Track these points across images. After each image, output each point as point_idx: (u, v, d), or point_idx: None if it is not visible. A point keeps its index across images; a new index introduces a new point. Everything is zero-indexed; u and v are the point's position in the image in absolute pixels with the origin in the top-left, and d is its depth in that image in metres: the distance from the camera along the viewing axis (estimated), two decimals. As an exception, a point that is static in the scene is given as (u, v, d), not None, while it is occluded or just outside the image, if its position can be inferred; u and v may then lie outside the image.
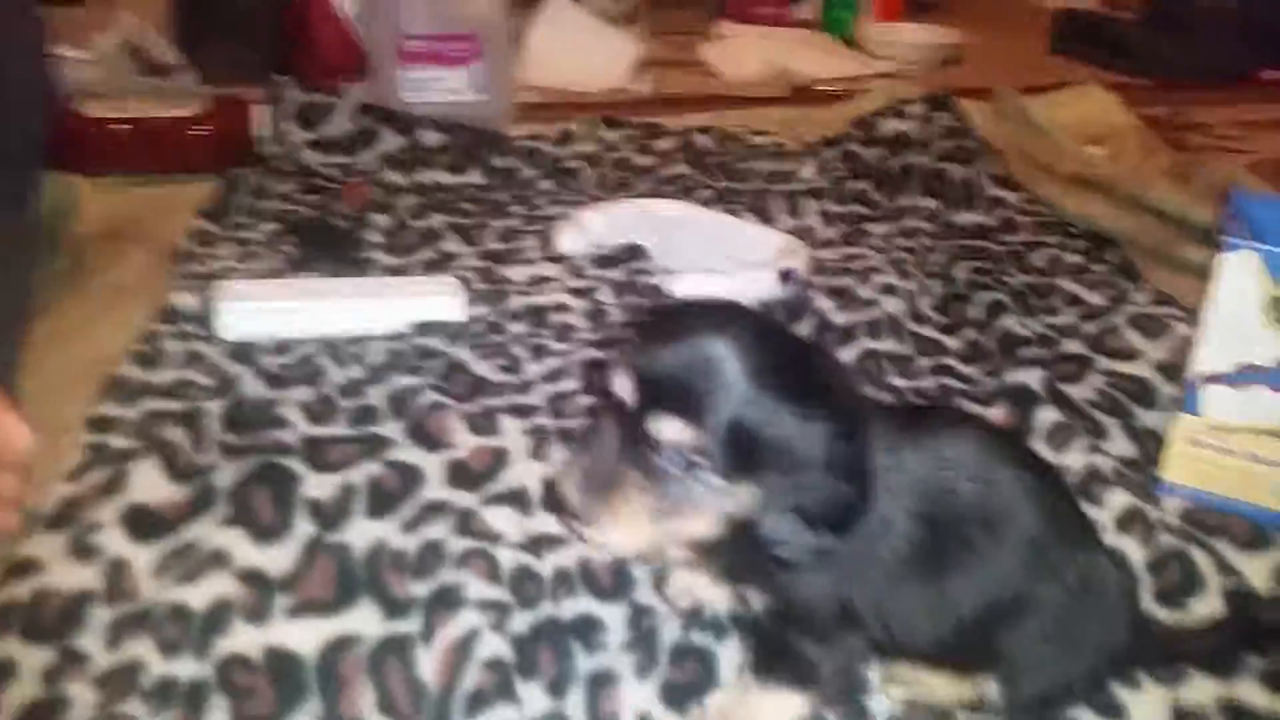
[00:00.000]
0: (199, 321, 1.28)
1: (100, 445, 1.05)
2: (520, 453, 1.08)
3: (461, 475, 1.04)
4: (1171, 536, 0.99)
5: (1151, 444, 1.13)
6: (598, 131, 1.96)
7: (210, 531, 0.92)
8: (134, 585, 0.88)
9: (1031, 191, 1.81)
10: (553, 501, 0.76)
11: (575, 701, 0.81)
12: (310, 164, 1.80)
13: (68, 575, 0.88)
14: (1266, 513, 1.03)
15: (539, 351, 1.29)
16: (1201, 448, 1.05)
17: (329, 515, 0.97)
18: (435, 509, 0.99)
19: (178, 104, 1.83)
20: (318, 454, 1.04)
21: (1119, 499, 1.03)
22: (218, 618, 0.84)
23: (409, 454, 1.06)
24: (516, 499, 1.02)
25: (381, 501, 1.00)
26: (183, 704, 0.77)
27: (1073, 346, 1.33)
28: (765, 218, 1.69)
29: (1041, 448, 1.09)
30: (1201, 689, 0.85)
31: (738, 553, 0.74)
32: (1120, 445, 1.14)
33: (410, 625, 0.86)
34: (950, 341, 1.37)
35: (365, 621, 0.87)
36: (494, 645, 0.83)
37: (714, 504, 0.69)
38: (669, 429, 0.67)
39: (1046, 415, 1.15)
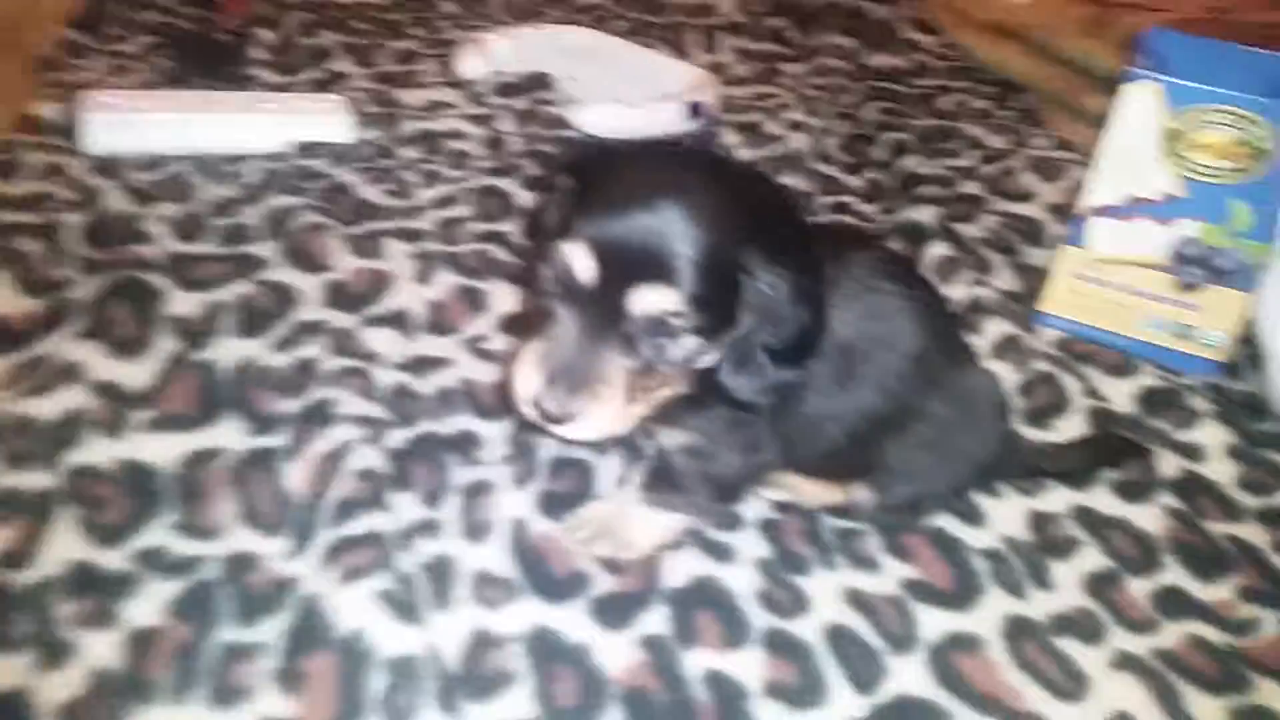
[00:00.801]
0: (62, 133, 1.19)
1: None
2: (405, 276, 1.05)
3: (340, 296, 1.01)
4: (1043, 362, 1.02)
5: (1035, 279, 1.14)
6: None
7: (65, 345, 0.88)
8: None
9: (948, 36, 1.78)
10: (509, 405, 0.70)
11: (450, 510, 0.81)
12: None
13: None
14: (1136, 343, 1.06)
15: (431, 178, 1.23)
16: (1083, 280, 1.06)
17: (194, 332, 0.94)
18: (310, 329, 0.96)
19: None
20: (184, 271, 1.00)
21: (997, 327, 1.05)
22: (69, 430, 0.81)
23: (284, 274, 1.03)
24: (398, 320, 0.99)
25: (253, 320, 0.96)
26: (28, 514, 0.75)
27: (970, 188, 1.33)
28: (680, 52, 1.63)
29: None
30: (1057, 498, 0.89)
31: (695, 404, 0.72)
32: (1005, 279, 1.15)
33: (277, 440, 0.84)
34: (852, 180, 1.35)
35: (229, 436, 0.84)
36: (368, 457, 0.82)
37: (691, 365, 0.67)
38: (649, 300, 0.62)
39: (936, 250, 1.17)
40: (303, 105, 1.30)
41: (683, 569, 0.78)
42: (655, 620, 0.74)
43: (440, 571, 0.76)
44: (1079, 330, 1.08)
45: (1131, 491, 0.90)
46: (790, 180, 1.31)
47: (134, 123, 1.19)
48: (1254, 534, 0.88)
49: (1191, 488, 0.91)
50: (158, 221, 1.07)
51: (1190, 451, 0.95)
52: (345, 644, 0.68)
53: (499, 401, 0.92)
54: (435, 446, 0.86)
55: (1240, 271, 0.99)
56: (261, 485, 0.80)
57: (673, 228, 0.61)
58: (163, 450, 0.82)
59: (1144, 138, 0.98)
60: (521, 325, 0.86)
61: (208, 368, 0.90)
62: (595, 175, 0.66)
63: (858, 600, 0.78)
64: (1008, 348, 1.03)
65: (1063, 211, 1.26)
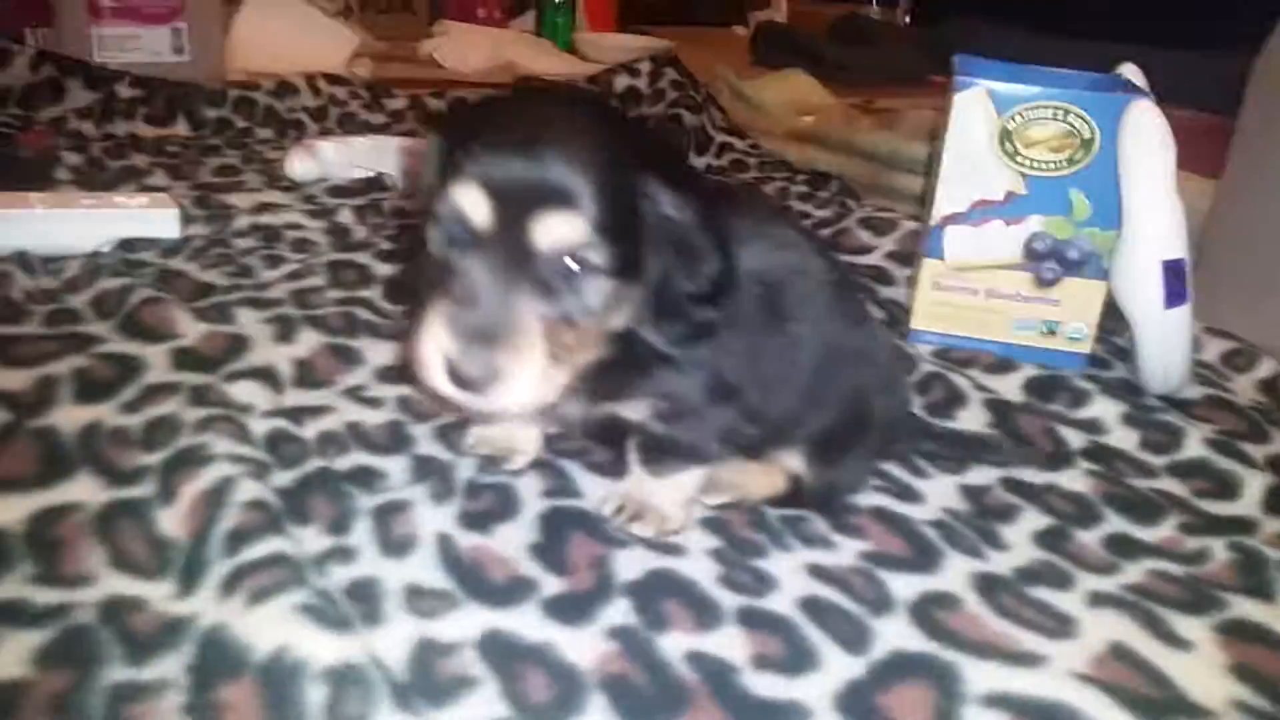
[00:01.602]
0: None
1: None
2: (263, 338, 0.95)
3: (191, 360, 0.90)
4: (930, 365, 1.04)
5: (897, 310, 1.18)
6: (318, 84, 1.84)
7: None
8: None
9: (755, 139, 1.90)
10: (410, 377, 0.61)
11: (361, 535, 0.70)
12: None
13: None
14: (1009, 348, 1.10)
15: (275, 260, 1.15)
16: (946, 291, 1.10)
17: (25, 404, 0.81)
18: (162, 389, 0.85)
19: None
20: (5, 350, 0.87)
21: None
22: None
23: (122, 346, 0.91)
24: (265, 375, 0.89)
25: (92, 389, 0.84)
26: None
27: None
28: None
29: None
30: (981, 474, 0.89)
31: (619, 368, 0.67)
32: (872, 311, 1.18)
33: (142, 490, 0.72)
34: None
35: (83, 492, 0.71)
36: (253, 490, 0.70)
37: (609, 316, 0.62)
38: (556, 230, 0.57)
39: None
40: (125, 202, 1.20)
41: (636, 565, 0.71)
42: (617, 612, 0.66)
43: (364, 592, 0.65)
44: (953, 343, 1.11)
45: (1050, 462, 0.91)
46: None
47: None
48: (1171, 486, 0.89)
49: (1103, 454, 0.93)
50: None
51: (1091, 426, 0.97)
52: (266, 665, 0.56)
53: (393, 439, 0.83)
54: (330, 479, 0.76)
55: (1090, 260, 1.06)
56: (130, 533, 0.68)
57: (567, 153, 0.58)
58: (4, 511, 0.68)
59: (980, 142, 1.05)
60: (407, 293, 0.77)
61: (48, 432, 0.77)
62: (472, 123, 0.62)
63: (823, 574, 0.73)
64: (895, 355, 1.05)
65: (901, 258, 1.32)
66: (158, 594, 0.63)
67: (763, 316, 0.72)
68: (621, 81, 1.94)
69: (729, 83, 2.35)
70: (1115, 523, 0.83)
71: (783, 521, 0.79)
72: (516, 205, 0.57)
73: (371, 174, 1.42)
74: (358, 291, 1.08)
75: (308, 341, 0.95)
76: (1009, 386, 1.03)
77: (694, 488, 0.76)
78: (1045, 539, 0.80)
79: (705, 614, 0.67)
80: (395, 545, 0.69)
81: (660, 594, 0.68)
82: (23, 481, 0.72)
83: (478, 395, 0.58)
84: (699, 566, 0.72)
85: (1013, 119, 1.04)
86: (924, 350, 1.10)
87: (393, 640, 0.60)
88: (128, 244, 1.14)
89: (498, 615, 0.64)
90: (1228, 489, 0.88)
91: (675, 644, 0.64)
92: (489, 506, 0.76)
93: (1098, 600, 0.73)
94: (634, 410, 0.71)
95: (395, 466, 0.79)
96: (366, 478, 0.77)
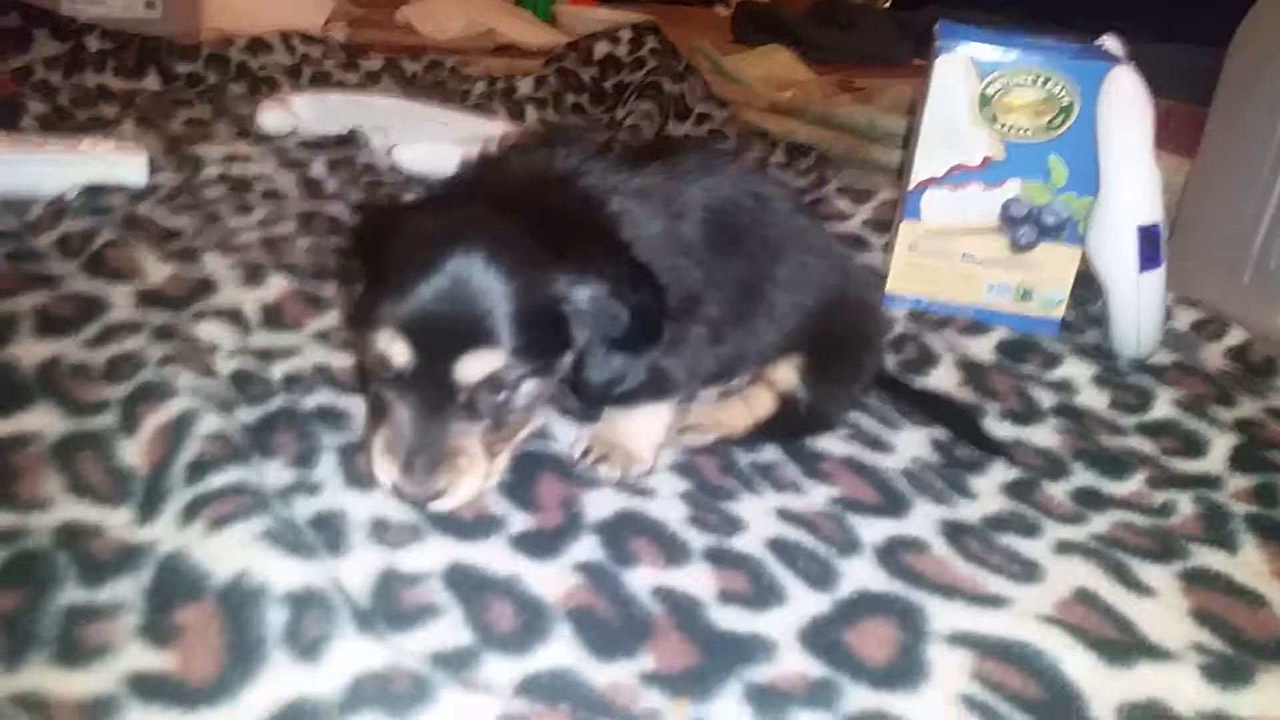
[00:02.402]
0: None
1: None
2: (231, 281, 0.93)
3: (156, 300, 0.89)
4: (904, 325, 1.04)
5: (872, 276, 1.18)
6: (293, 43, 1.81)
7: None
8: None
9: (735, 111, 1.89)
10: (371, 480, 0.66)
11: (326, 469, 0.69)
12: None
13: None
14: (984, 312, 1.10)
15: (245, 209, 1.14)
16: (922, 254, 1.10)
17: (-17, 337, 0.79)
18: (125, 328, 0.83)
19: None
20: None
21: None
22: None
23: (86, 285, 0.89)
24: (232, 316, 0.87)
25: (54, 324, 0.83)
26: None
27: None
28: (489, 116, 1.63)
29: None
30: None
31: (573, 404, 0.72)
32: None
33: (103, 421, 0.71)
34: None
35: (42, 422, 0.70)
36: (216, 423, 0.69)
37: (537, 403, 0.67)
38: (475, 368, 0.60)
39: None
40: (91, 148, 1.18)
41: (606, 505, 0.70)
42: (585, 548, 0.66)
43: (328, 524, 0.64)
44: (928, 306, 1.11)
45: (1021, 419, 0.91)
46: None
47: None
48: (1140, 444, 0.90)
49: (1073, 412, 0.93)
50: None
51: (1062, 386, 0.97)
52: (226, 589, 0.55)
53: (361, 381, 0.82)
54: (296, 419, 0.75)
55: (1066, 226, 1.06)
56: (89, 463, 0.66)
57: (476, 288, 0.60)
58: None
59: (959, 107, 1.05)
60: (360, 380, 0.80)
61: (4, 365, 0.75)
62: (384, 249, 0.64)
63: (791, 517, 0.72)
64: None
65: (877, 226, 1.33)
66: (116, 521, 0.62)
67: (723, 241, 0.74)
68: (601, 48, 1.92)
69: (708, 56, 2.34)
70: (1084, 476, 0.84)
71: (754, 467, 0.78)
72: (437, 348, 0.61)
73: (344, 131, 1.40)
74: (328, 239, 1.07)
75: (276, 285, 0.94)
76: (982, 348, 1.03)
77: (664, 428, 0.75)
78: (1014, 489, 0.81)
79: (674, 552, 0.67)
80: (361, 480, 0.68)
81: (629, 532, 0.68)
82: (-23, 411, 0.70)
83: (424, 506, 0.64)
84: (669, 508, 0.71)
85: (992, 84, 1.03)
86: (899, 313, 1.10)
87: (357, 568, 0.60)
88: (94, 190, 1.12)
89: (465, 548, 0.64)
90: (1195, 448, 0.88)
91: (642, 579, 0.63)
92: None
93: (1065, 548, 0.73)
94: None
95: (363, 407, 0.78)
96: (333, 417, 0.76)
